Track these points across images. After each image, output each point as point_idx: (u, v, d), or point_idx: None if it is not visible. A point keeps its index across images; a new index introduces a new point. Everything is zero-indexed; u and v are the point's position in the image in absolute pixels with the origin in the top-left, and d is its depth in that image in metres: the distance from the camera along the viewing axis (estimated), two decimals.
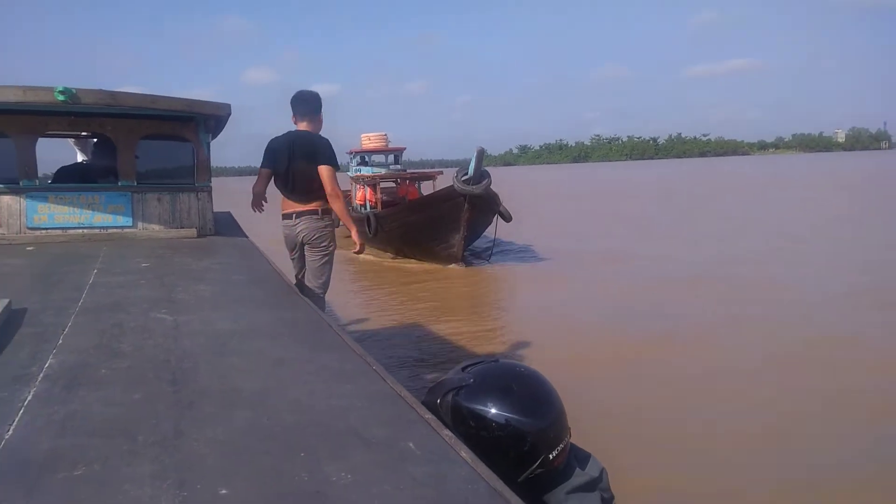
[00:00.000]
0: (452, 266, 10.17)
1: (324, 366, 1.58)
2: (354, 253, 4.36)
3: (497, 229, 10.93)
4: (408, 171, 15.65)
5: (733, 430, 3.78)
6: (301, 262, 3.95)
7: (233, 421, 1.21)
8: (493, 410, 1.40)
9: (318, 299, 3.81)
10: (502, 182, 14.06)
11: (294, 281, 3.68)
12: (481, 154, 9.09)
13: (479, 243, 11.77)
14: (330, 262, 3.93)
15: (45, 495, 0.94)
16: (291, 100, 3.89)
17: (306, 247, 3.85)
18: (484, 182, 9.32)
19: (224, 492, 0.95)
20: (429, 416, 1.28)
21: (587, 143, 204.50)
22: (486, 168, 9.66)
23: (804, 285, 7.89)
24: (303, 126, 3.86)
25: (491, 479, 1.03)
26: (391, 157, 15.92)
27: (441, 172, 14.02)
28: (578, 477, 1.46)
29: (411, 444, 1.14)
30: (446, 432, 1.21)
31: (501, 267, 10.45)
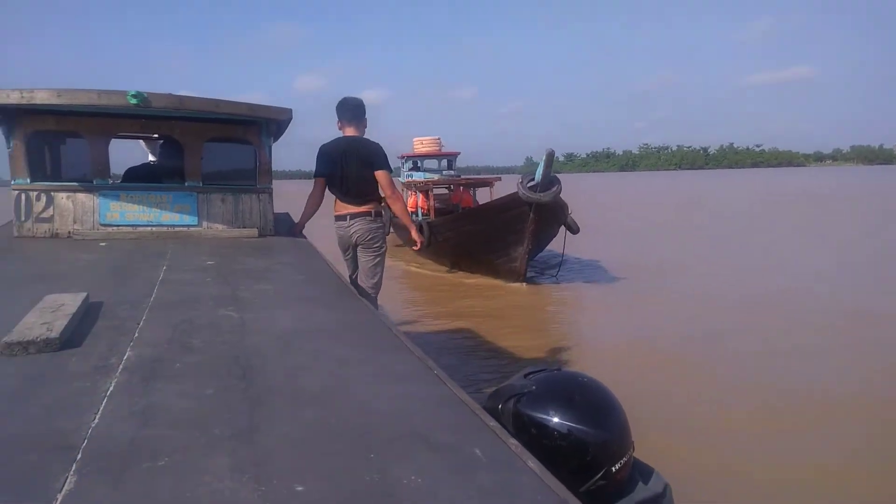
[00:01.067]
0: (514, 284, 9.05)
1: (385, 367, 1.58)
2: (414, 250, 4.45)
3: (565, 243, 9.69)
4: (462, 176, 14.69)
5: (811, 464, 3.54)
6: (354, 263, 4.04)
7: (302, 419, 1.23)
8: (556, 419, 1.38)
9: (371, 300, 3.88)
10: None
11: (349, 281, 3.75)
12: (551, 157, 7.86)
13: (543, 257, 10.75)
14: (382, 263, 4.01)
15: (131, 485, 0.97)
16: (337, 106, 4.03)
17: (359, 248, 3.95)
18: (553, 189, 8.15)
19: (300, 488, 0.96)
20: (493, 423, 1.27)
21: (635, 151, 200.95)
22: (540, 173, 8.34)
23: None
24: (350, 131, 3.98)
25: (560, 490, 1.01)
26: (444, 162, 14.95)
27: (499, 178, 12.86)
28: (641, 492, 1.42)
29: (478, 451, 1.13)
30: (513, 441, 1.19)
31: (569, 286, 9.14)
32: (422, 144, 14.64)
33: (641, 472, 1.47)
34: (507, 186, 12.15)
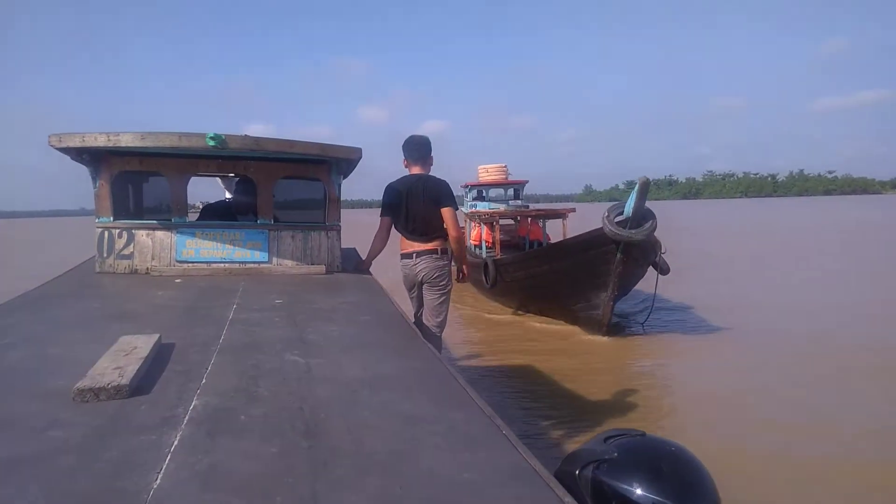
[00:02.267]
0: (594, 336, 7.50)
1: (452, 427, 1.49)
2: (457, 281, 4.29)
3: (657, 286, 7.89)
4: (530, 206, 13.22)
5: None
6: (419, 301, 4.00)
7: (366, 487, 1.15)
8: (639, 491, 1.24)
9: (435, 339, 3.82)
10: None
11: (413, 319, 3.69)
12: (646, 187, 6.26)
13: (627, 300, 8.93)
14: (447, 301, 3.95)
15: None
16: (403, 145, 4.04)
17: (425, 286, 3.90)
18: (647, 226, 6.61)
19: None
20: (568, 499, 1.14)
21: (699, 178, 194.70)
22: (623, 204, 6.73)
23: None
24: (416, 169, 3.98)
25: None
26: (511, 192, 13.67)
27: (573, 210, 11.15)
28: None
29: None
30: None
31: (660, 338, 7.53)
32: (487, 173, 13.57)
33: None
34: (582, 218, 11.02)
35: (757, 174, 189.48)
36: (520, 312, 9.13)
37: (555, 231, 11.10)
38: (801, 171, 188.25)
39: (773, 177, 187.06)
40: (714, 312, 8.57)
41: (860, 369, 5.86)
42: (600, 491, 1.30)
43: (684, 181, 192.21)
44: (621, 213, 6.64)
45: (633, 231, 6.59)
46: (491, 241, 10.94)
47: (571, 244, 7.73)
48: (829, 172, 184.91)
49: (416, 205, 3.86)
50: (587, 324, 7.65)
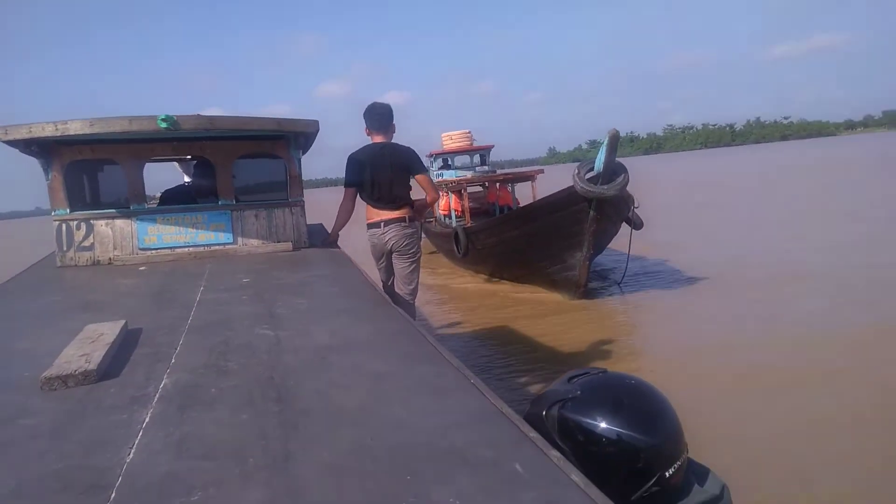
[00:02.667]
0: (574, 300, 7.19)
1: (421, 380, 1.53)
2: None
3: (631, 242, 7.68)
4: (498, 171, 12.70)
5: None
6: (388, 271, 3.99)
7: (337, 441, 1.18)
8: (603, 425, 1.30)
9: (408, 306, 3.84)
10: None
11: (382, 289, 3.70)
12: (615, 140, 5.96)
13: (599, 260, 8.59)
14: (418, 268, 3.97)
15: None
16: (364, 113, 3.97)
17: (395, 254, 3.90)
18: (619, 180, 6.25)
19: None
20: (534, 434, 1.19)
21: (659, 133, 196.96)
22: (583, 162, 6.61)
23: None
24: (378, 138, 3.93)
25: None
26: (477, 158, 13.17)
27: (541, 171, 10.98)
28: (698, 495, 1.33)
29: (518, 467, 1.06)
30: (554, 453, 1.12)
31: (639, 297, 7.24)
32: (451, 140, 12.97)
33: (696, 473, 1.37)
34: (549, 180, 10.64)
35: (715, 125, 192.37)
36: (494, 280, 8.91)
37: (524, 195, 10.65)
38: (758, 118, 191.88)
39: (731, 126, 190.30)
40: (687, 265, 8.41)
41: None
42: (567, 428, 1.36)
43: (645, 136, 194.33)
44: (592, 170, 6.31)
45: (605, 187, 6.23)
46: (460, 209, 10.66)
47: (542, 205, 7.28)
48: (785, 118, 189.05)
49: (382, 173, 3.83)
50: (563, 286, 7.38)
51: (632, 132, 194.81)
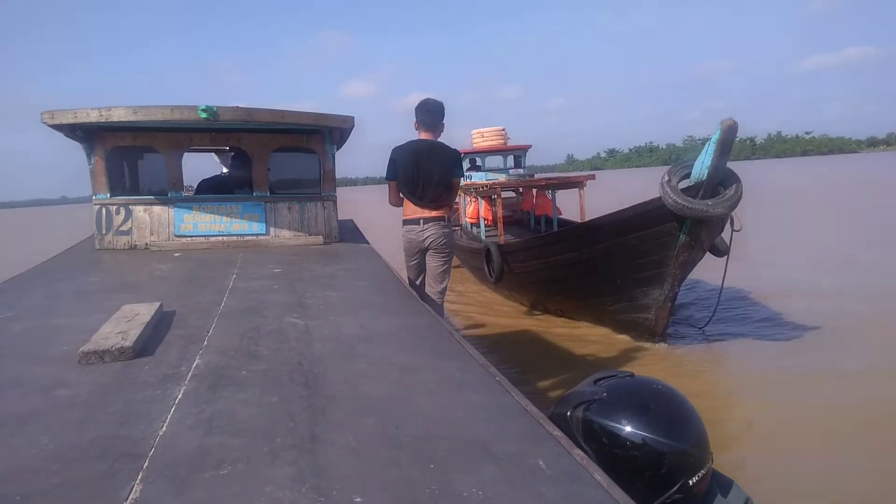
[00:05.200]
0: (646, 344, 5.20)
1: (447, 374, 1.51)
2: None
3: (725, 275, 5.29)
4: (536, 176, 10.56)
5: None
6: (419, 269, 3.92)
7: (363, 427, 1.18)
8: (629, 428, 1.27)
9: (437, 306, 3.79)
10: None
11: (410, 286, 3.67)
12: (731, 135, 4.09)
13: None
14: (449, 268, 3.93)
15: (194, 492, 0.94)
16: (416, 108, 3.88)
17: (430, 252, 3.83)
18: (729, 194, 4.31)
19: (359, 500, 0.91)
20: (558, 433, 1.17)
21: (679, 144, 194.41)
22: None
23: None
24: (426, 135, 3.85)
25: None
26: (511, 159, 10.99)
27: (592, 176, 8.25)
28: None
29: (541, 462, 1.04)
30: (577, 451, 1.09)
31: (729, 349, 5.11)
32: (483, 138, 10.85)
33: (720, 484, 1.33)
34: (602, 188, 8.98)
35: (738, 138, 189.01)
36: (536, 312, 6.80)
37: (568, 205, 8.67)
38: (779, 132, 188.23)
39: (752, 139, 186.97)
40: (780, 300, 6.28)
41: None
42: (591, 430, 1.32)
43: (664, 147, 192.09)
44: (688, 177, 4.49)
45: (710, 202, 4.28)
46: (491, 218, 8.46)
47: (610, 222, 5.15)
48: (807, 133, 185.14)
49: (428, 171, 3.73)
50: (631, 328, 5.39)
51: (651, 142, 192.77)
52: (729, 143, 4.16)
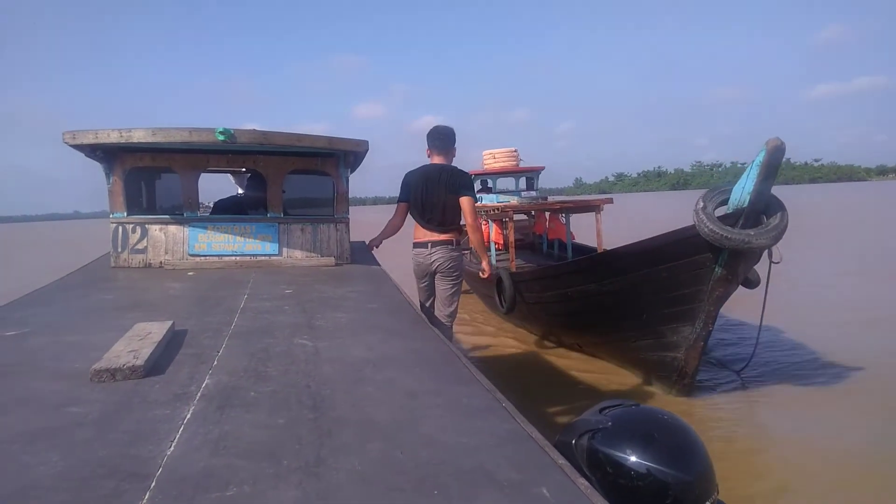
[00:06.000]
0: (666, 393, 4.67)
1: (454, 400, 1.50)
2: (481, 276, 4.31)
3: (764, 313, 4.83)
4: (549, 199, 9.85)
5: None
6: (429, 292, 3.94)
7: (368, 452, 1.17)
8: (633, 458, 1.25)
9: (445, 329, 3.78)
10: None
11: (420, 309, 3.67)
12: (777, 157, 3.65)
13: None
14: (458, 292, 3.93)
15: None
16: (428, 134, 3.97)
17: (438, 275, 3.86)
18: (774, 223, 3.86)
19: None
20: (562, 461, 1.16)
21: (687, 169, 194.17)
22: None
23: None
24: (438, 159, 3.91)
25: None
26: (523, 181, 10.58)
27: (610, 200, 7.68)
28: None
29: (545, 491, 1.03)
30: (582, 480, 1.08)
31: (771, 396, 4.55)
32: (494, 159, 10.38)
33: None
34: (613, 211, 8.19)
35: (744, 164, 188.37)
36: (548, 343, 6.36)
37: (583, 229, 8.30)
38: (788, 159, 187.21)
39: None
40: (822, 342, 5.59)
41: None
42: (595, 459, 1.31)
43: (673, 172, 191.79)
44: (725, 203, 4.04)
45: (753, 232, 3.84)
46: (502, 242, 8.12)
47: (637, 252, 4.64)
48: (816, 161, 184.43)
49: (436, 194, 3.77)
50: (657, 371, 4.82)
51: (659, 167, 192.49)
52: (775, 167, 3.72)
